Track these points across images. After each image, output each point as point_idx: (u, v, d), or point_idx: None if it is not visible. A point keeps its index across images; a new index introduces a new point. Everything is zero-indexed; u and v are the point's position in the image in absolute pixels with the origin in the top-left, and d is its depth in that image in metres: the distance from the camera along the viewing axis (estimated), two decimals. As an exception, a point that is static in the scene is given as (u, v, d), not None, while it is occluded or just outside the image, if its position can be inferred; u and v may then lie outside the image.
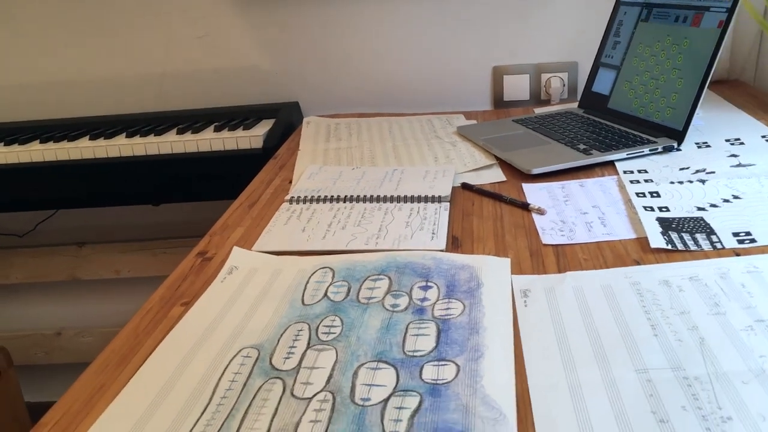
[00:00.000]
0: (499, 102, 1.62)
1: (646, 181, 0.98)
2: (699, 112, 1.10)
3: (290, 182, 1.15)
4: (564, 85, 1.57)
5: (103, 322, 1.91)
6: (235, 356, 0.65)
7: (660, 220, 0.84)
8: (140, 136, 1.51)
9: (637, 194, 0.93)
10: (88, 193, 1.54)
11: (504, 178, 1.08)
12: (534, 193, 1.00)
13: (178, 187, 1.52)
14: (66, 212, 1.81)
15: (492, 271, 0.77)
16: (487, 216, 0.94)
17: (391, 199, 1.01)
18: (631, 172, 1.02)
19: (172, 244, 1.77)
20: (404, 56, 1.61)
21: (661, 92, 1.16)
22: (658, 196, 0.92)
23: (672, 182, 0.96)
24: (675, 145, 1.09)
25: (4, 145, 1.55)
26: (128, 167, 1.49)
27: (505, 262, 0.79)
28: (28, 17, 1.65)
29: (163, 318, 0.73)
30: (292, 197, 1.05)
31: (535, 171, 1.05)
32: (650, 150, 1.08)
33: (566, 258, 0.79)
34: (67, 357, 1.91)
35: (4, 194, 1.55)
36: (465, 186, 1.05)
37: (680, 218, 0.84)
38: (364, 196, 1.03)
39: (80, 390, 0.62)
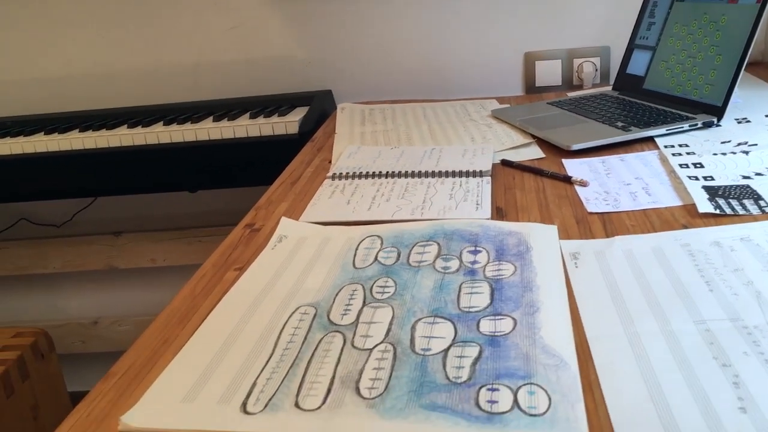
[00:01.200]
0: (531, 88, 1.62)
1: (688, 153, 0.98)
2: (736, 91, 1.09)
3: (330, 162, 1.16)
4: (596, 70, 1.57)
5: (139, 310, 1.94)
6: (293, 313, 0.66)
7: (706, 188, 0.85)
8: (177, 124, 1.53)
9: (681, 165, 0.93)
10: (126, 180, 1.57)
11: (543, 155, 1.08)
12: (574, 168, 1.00)
13: (214, 174, 1.54)
14: (102, 202, 1.84)
15: (540, 236, 0.78)
16: (529, 189, 0.95)
17: (433, 174, 1.02)
18: (672, 146, 1.02)
19: (208, 233, 1.79)
20: (435, 43, 1.62)
21: (699, 70, 1.16)
22: (702, 166, 0.92)
23: (715, 154, 0.96)
24: (715, 120, 1.09)
25: (45, 134, 1.58)
26: (165, 154, 1.51)
27: (552, 229, 0.80)
28: (63, 10, 1.68)
29: (218, 282, 0.75)
30: (334, 174, 1.06)
31: (575, 147, 1.06)
32: (690, 126, 1.08)
33: (613, 224, 0.80)
34: (104, 346, 1.94)
35: (45, 182, 1.58)
36: (505, 162, 1.06)
37: (726, 186, 0.84)
38: (406, 171, 1.04)
39: (145, 344, 0.64)
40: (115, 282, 1.93)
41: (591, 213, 0.84)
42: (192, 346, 0.62)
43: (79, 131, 1.56)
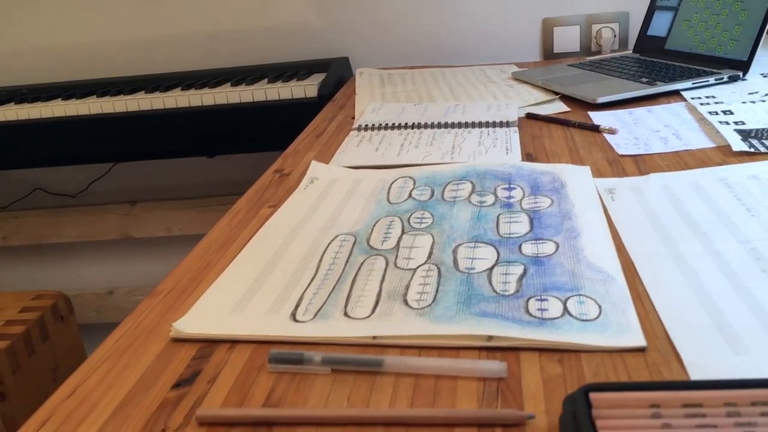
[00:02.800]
0: (549, 54, 1.62)
1: (716, 103, 0.98)
2: (760, 48, 1.09)
3: (353, 118, 1.16)
4: (615, 36, 1.57)
5: (155, 280, 1.93)
6: (332, 240, 0.66)
7: (738, 131, 0.85)
8: (195, 89, 1.53)
9: (710, 113, 0.93)
10: (144, 146, 1.57)
11: (568, 109, 1.08)
12: (601, 119, 1.00)
13: (232, 139, 1.54)
14: (117, 171, 1.84)
15: (573, 175, 0.78)
16: (557, 137, 0.95)
17: (459, 125, 1.02)
18: (699, 98, 1.02)
19: (223, 201, 1.79)
20: (453, 10, 1.62)
21: (723, 26, 1.16)
22: (732, 113, 0.92)
23: (744, 102, 0.96)
24: (740, 74, 1.09)
25: (62, 99, 1.58)
26: (184, 118, 1.51)
27: (585, 169, 0.80)
28: (82, -24, 1.68)
29: (254, 217, 0.75)
30: (360, 125, 1.06)
31: (601, 100, 1.06)
32: (716, 80, 1.08)
33: (646, 164, 0.80)
34: (120, 316, 1.94)
35: (62, 148, 1.58)
36: (530, 115, 1.06)
37: (758, 129, 0.84)
38: (432, 122, 1.04)
39: (187, 267, 0.64)
40: (131, 251, 1.94)
41: (623, 155, 0.84)
42: (236, 266, 0.62)
43: (97, 96, 1.56)
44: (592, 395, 0.36)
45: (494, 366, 0.44)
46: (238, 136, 1.53)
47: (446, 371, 0.45)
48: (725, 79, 1.08)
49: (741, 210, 0.64)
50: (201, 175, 1.83)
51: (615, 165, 0.81)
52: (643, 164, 0.80)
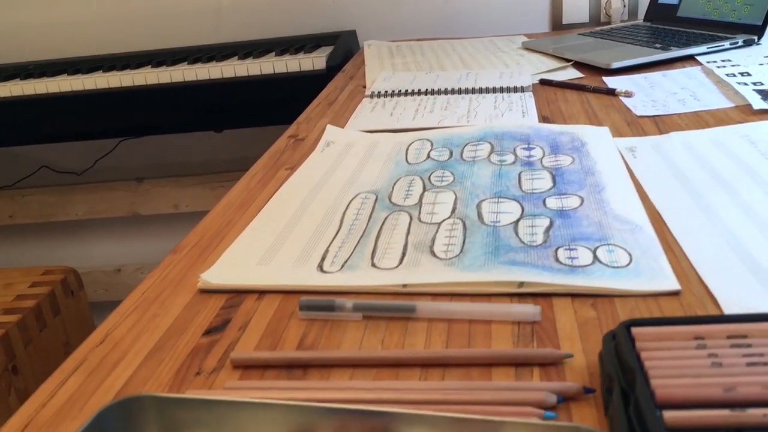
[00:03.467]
0: (558, 25, 1.61)
1: (732, 66, 0.97)
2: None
3: (364, 87, 1.15)
4: (625, 6, 1.56)
5: (162, 257, 1.94)
6: (353, 198, 0.66)
7: (757, 91, 0.84)
8: (202, 63, 1.52)
9: (727, 75, 0.92)
10: (151, 120, 1.56)
11: (582, 75, 1.08)
12: (616, 84, 0.99)
13: (240, 113, 1.53)
14: (123, 148, 1.83)
15: (592, 135, 0.77)
16: (573, 101, 0.94)
17: (473, 91, 1.01)
18: (714, 62, 1.01)
19: (231, 178, 1.79)
20: (462, -19, 1.60)
21: (738, -8, 1.15)
22: (749, 75, 0.91)
23: (761, 64, 0.95)
24: (755, 39, 1.08)
25: (68, 74, 1.57)
26: (191, 92, 1.50)
27: (604, 129, 0.79)
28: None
29: (271, 179, 0.75)
30: (372, 92, 1.05)
31: (616, 65, 1.05)
32: (731, 44, 1.07)
33: (665, 125, 0.79)
34: (128, 294, 1.94)
35: (68, 124, 1.57)
36: (543, 82, 1.05)
37: (777, 89, 0.84)
38: (446, 89, 1.03)
39: (208, 225, 0.63)
40: (138, 229, 1.93)
41: (641, 116, 0.83)
42: (259, 222, 0.62)
43: (103, 71, 1.55)
44: (635, 330, 0.36)
45: (528, 309, 0.44)
46: (246, 109, 1.52)
47: (480, 315, 0.45)
48: (740, 44, 1.08)
49: (766, 164, 0.64)
50: (208, 151, 1.82)
51: (634, 126, 0.80)
52: (662, 124, 0.80)
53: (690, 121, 0.79)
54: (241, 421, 0.33)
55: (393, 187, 0.68)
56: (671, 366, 0.33)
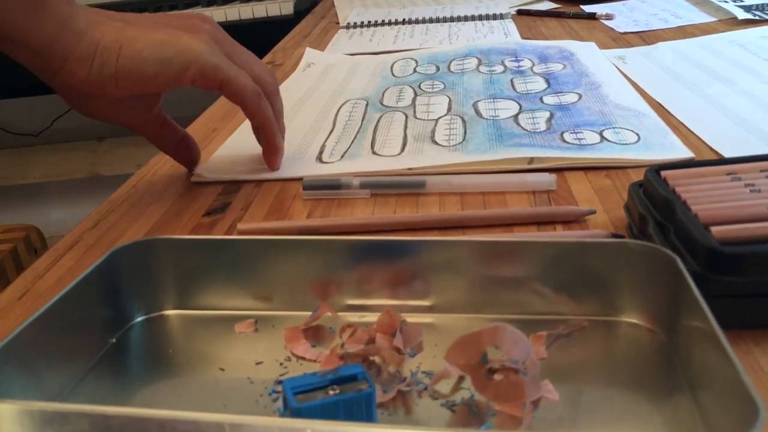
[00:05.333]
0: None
1: (710, -11, 0.97)
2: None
3: (337, 24, 1.12)
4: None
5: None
6: (343, 104, 0.63)
7: (739, 6, 0.84)
8: (164, 11, 1.47)
9: (706, -4, 0.92)
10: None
11: (558, 5, 1.06)
12: (595, 10, 0.98)
13: (205, 62, 1.49)
14: (83, 106, 1.76)
15: (579, 48, 0.76)
16: (553, 27, 0.93)
17: (452, 19, 0.99)
18: (691, -12, 1.01)
19: (196, 133, 1.74)
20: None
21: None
22: (729, -5, 0.91)
23: (739, -13, 0.95)
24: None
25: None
26: (154, 42, 1.45)
27: (590, 44, 0.78)
28: None
29: (253, 95, 0.72)
30: (348, 23, 1.03)
31: (592, -7, 1.04)
32: (705, -27, 1.07)
33: (651, 38, 0.79)
34: (90, 257, 1.89)
35: (21, 79, 1.50)
36: (522, 11, 1.04)
37: (757, 3, 0.84)
38: (424, 18, 1.01)
39: (194, 131, 0.60)
40: (100, 191, 1.86)
41: (625, 33, 0.82)
42: (248, 126, 0.59)
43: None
44: (665, 173, 0.35)
45: (543, 178, 0.43)
46: (212, 58, 1.48)
47: (493, 187, 0.43)
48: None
49: (758, 60, 0.64)
50: (172, 106, 1.76)
51: (619, 41, 0.80)
52: (648, 37, 0.79)
53: (675, 35, 0.79)
54: (260, 262, 0.31)
55: (383, 94, 0.65)
56: (709, 195, 0.32)
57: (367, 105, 0.62)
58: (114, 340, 0.30)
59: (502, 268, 0.31)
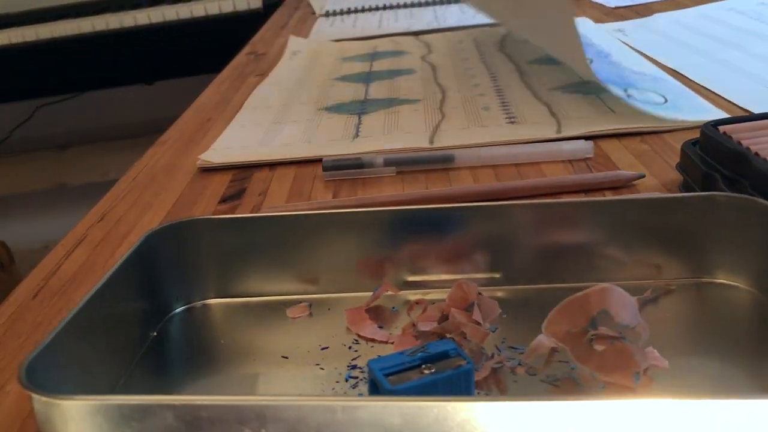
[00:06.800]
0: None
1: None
2: None
3: (313, 13, 1.09)
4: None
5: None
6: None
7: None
8: (126, 10, 1.42)
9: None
10: (72, 77, 1.45)
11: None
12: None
13: (173, 61, 1.44)
14: (43, 114, 1.70)
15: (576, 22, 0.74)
16: (538, 6, 0.91)
17: (435, 3, 0.96)
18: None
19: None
20: None
21: None
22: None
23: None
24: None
25: (-24, 31, 1.43)
26: (117, 42, 1.39)
27: (584, 19, 0.76)
28: None
29: (242, 84, 0.68)
30: (327, 11, 1.00)
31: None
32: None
33: (644, 10, 0.77)
34: (59, 270, 1.82)
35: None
36: (502, -6, 1.02)
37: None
38: (405, 2, 0.98)
39: (186, 123, 0.57)
40: (66, 201, 1.80)
41: (617, 7, 0.81)
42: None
43: (14, 27, 1.43)
44: (723, 128, 0.33)
45: (579, 145, 0.40)
46: (179, 57, 1.44)
47: (526, 158, 0.41)
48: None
49: (763, 25, 0.63)
50: (138, 110, 1.71)
51: (612, 15, 0.78)
52: (642, 10, 0.78)
53: (669, 6, 0.77)
54: (305, 242, 0.28)
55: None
56: (783, 145, 0.30)
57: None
58: (155, 333, 0.26)
59: (570, 233, 0.28)
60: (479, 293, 0.26)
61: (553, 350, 0.23)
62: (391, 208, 0.29)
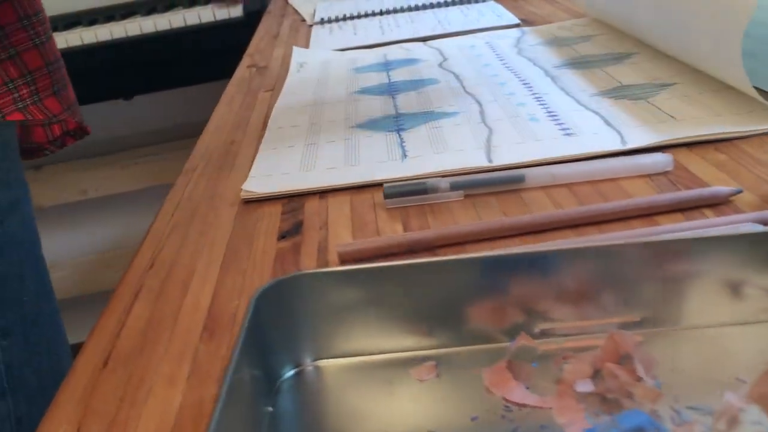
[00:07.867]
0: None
1: None
2: None
3: (303, 21, 1.06)
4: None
5: (74, 252, 1.75)
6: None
7: None
8: (101, 23, 1.36)
9: None
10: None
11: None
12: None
13: (152, 75, 1.39)
14: (14, 134, 1.63)
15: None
16: (538, 4, 0.89)
17: (432, 6, 0.94)
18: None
19: (146, 153, 1.63)
20: None
21: None
22: None
23: None
24: None
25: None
26: (92, 56, 1.34)
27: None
28: None
29: (254, 100, 0.65)
30: (322, 19, 0.96)
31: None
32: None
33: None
34: (38, 295, 1.75)
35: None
36: (498, -6, 1.00)
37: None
38: (402, 7, 0.95)
39: (207, 148, 0.53)
40: (43, 222, 1.73)
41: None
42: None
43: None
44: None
45: (658, 158, 0.38)
46: (158, 70, 1.39)
47: (603, 174, 0.38)
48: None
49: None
50: (116, 125, 1.65)
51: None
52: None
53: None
54: (415, 290, 0.25)
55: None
56: None
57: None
58: (271, 409, 0.23)
59: (709, 267, 0.26)
60: (638, 343, 0.23)
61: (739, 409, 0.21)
62: (504, 253, 0.26)
